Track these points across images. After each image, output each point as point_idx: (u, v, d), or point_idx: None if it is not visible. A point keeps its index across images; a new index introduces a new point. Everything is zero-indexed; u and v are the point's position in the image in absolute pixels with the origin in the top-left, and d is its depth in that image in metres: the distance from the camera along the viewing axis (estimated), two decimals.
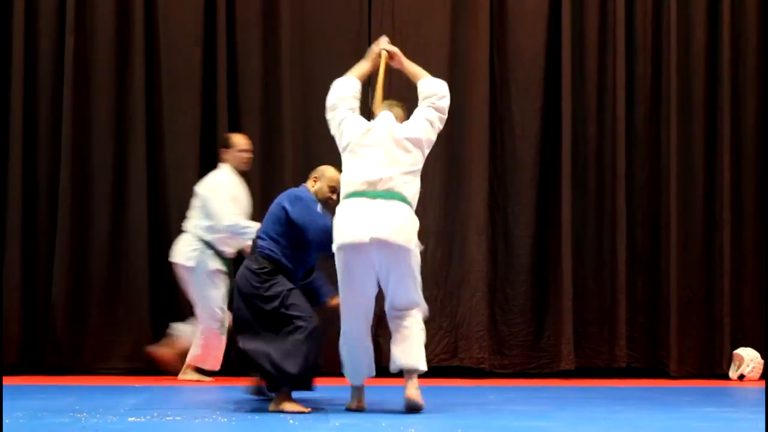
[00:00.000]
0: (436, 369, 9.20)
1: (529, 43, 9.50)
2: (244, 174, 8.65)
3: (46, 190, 9.12)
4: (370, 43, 9.39)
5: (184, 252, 8.43)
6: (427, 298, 8.86)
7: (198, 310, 8.43)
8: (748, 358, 9.28)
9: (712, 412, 6.67)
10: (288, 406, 6.07)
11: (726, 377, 9.32)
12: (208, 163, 9.05)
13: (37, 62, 9.18)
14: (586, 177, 9.50)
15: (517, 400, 7.23)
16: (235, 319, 6.30)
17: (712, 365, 9.46)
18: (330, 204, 6.42)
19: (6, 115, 9.09)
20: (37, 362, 8.99)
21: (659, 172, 9.54)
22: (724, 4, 9.58)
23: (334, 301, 6.47)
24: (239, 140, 8.64)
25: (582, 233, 9.44)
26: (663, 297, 9.45)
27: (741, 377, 9.23)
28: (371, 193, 6.12)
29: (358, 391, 6.32)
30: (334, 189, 6.44)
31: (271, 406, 6.11)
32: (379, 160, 6.17)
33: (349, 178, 6.19)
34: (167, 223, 9.12)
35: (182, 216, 8.75)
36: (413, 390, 6.09)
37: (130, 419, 5.62)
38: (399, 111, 6.44)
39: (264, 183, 9.13)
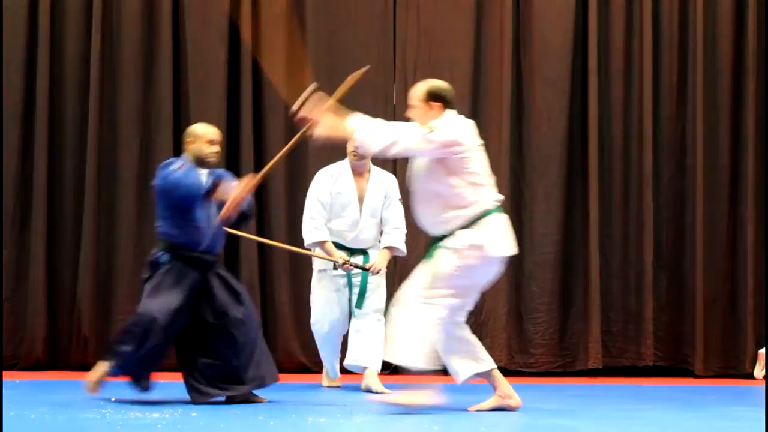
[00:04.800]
0: None
1: (555, 40, 9.44)
2: None
3: (72, 187, 9.15)
4: (395, 41, 9.45)
5: None
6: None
7: None
8: None
9: (739, 412, 6.63)
10: None
11: (751, 377, 9.26)
12: (232, 161, 9.07)
13: (63, 61, 9.20)
14: (611, 175, 9.45)
15: (542, 399, 7.21)
16: None
17: (737, 364, 9.41)
18: (212, 159, 6.44)
19: (32, 113, 9.11)
20: (63, 358, 9.04)
21: (685, 170, 9.49)
22: (750, 1, 9.52)
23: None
24: None
25: (607, 232, 9.40)
26: (688, 296, 9.40)
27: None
28: None
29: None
30: (212, 141, 6.46)
31: None
32: None
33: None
34: None
35: None
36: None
37: (154, 415, 5.62)
38: None
39: (289, 179, 9.17)
